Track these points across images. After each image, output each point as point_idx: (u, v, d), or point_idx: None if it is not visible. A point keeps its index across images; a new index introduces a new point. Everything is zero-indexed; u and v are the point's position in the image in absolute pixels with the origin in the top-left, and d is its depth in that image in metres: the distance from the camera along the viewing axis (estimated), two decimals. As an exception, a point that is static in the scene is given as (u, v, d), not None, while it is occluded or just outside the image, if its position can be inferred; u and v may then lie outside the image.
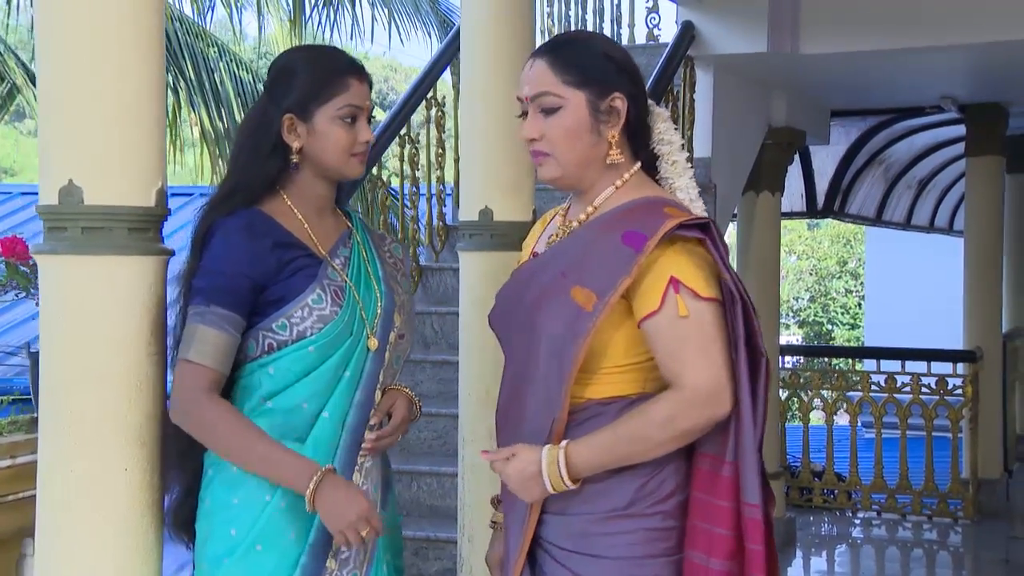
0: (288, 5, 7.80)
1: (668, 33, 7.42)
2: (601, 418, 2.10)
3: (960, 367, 7.71)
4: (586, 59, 2.16)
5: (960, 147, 9.91)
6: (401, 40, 7.99)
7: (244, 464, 2.16)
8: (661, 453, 2.08)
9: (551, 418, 2.09)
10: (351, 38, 7.82)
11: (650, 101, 2.23)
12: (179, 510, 2.32)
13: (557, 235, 2.24)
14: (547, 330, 2.09)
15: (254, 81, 8.41)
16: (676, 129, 2.25)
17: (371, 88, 2.33)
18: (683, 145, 2.26)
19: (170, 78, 7.84)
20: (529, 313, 2.14)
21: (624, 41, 7.29)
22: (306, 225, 2.27)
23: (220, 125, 8.15)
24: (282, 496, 2.18)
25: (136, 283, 2.24)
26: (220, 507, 2.20)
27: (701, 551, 2.08)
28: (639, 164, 2.22)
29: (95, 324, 2.21)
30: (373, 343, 2.26)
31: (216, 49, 8.60)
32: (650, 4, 7.35)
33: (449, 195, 5.80)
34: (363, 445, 2.25)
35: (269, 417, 2.20)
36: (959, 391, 7.48)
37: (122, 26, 2.22)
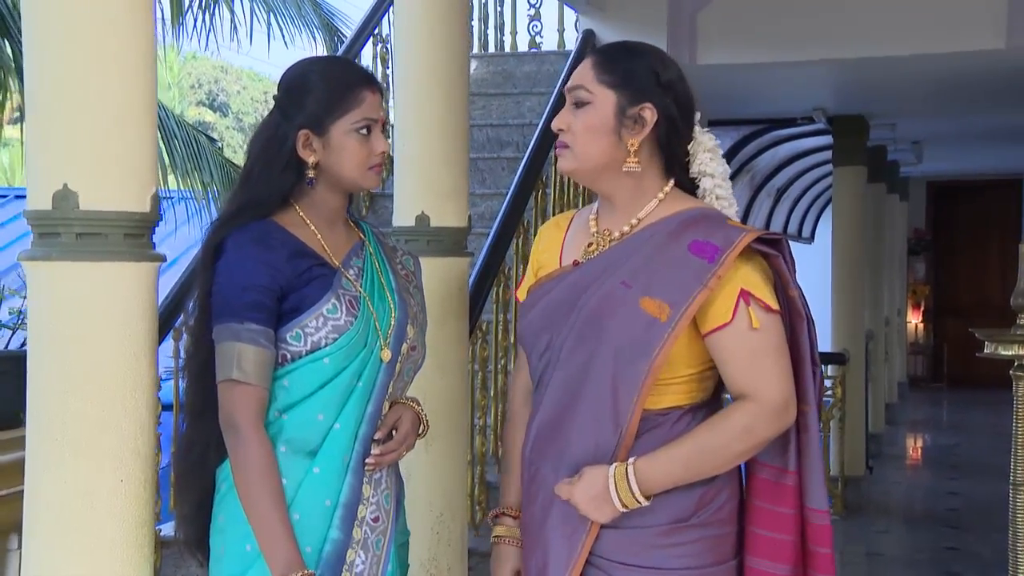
0: (162, 3, 7.60)
1: (550, 41, 7.57)
2: (659, 429, 2.09)
3: (831, 369, 8.02)
4: (629, 64, 2.15)
5: (816, 157, 10.35)
6: (285, 43, 7.90)
7: (246, 510, 2.12)
8: (734, 465, 2.10)
9: (617, 430, 2.07)
10: (232, 39, 7.68)
11: (697, 129, 2.21)
12: (191, 525, 2.26)
13: (596, 244, 2.21)
14: (615, 341, 2.07)
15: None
16: (722, 158, 2.23)
17: (383, 97, 2.31)
18: (726, 175, 2.22)
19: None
20: (587, 323, 2.11)
21: (507, 48, 7.36)
22: (319, 236, 2.24)
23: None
24: (296, 509, 2.15)
25: (132, 290, 2.19)
26: (234, 522, 2.15)
27: (766, 558, 2.11)
28: (672, 182, 2.20)
29: (89, 331, 2.16)
30: (386, 355, 2.23)
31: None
32: (531, 12, 7.45)
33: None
34: (366, 460, 2.22)
35: (284, 430, 2.17)
36: (830, 392, 7.77)
37: (115, 27, 2.17)
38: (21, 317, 3.76)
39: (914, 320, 15.68)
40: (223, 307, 2.14)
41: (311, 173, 2.23)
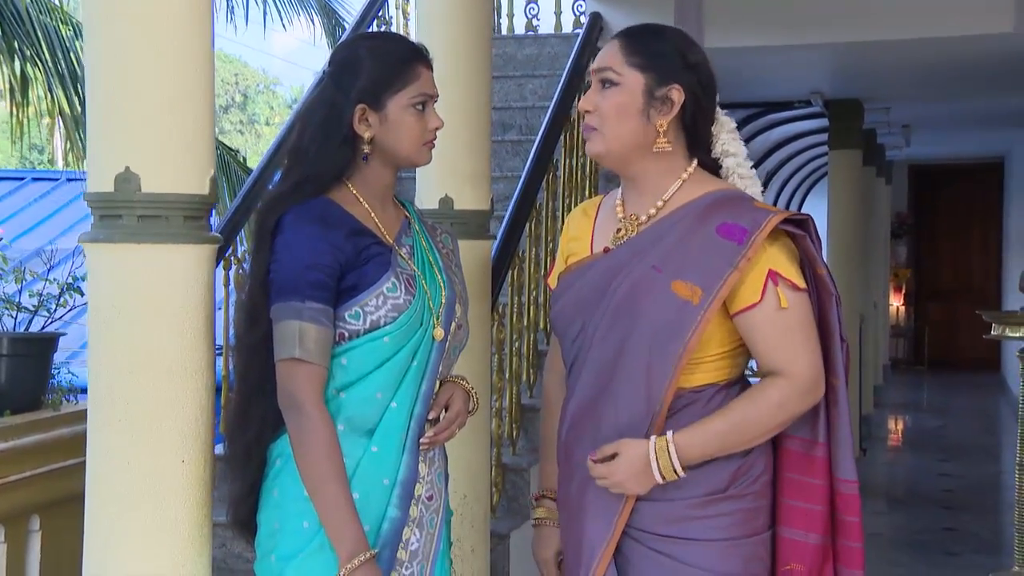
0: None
1: (546, 23, 7.55)
2: (694, 406, 2.14)
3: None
4: (656, 46, 2.19)
5: (806, 141, 10.39)
6: (284, 26, 7.87)
7: (309, 490, 2.11)
8: (766, 439, 2.16)
9: (650, 410, 2.12)
10: (229, 21, 7.63)
11: (718, 110, 2.25)
12: (241, 505, 2.25)
13: (625, 230, 2.24)
14: (649, 324, 2.11)
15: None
16: (741, 140, 2.28)
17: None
18: (746, 154, 2.28)
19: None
20: (620, 308, 2.15)
21: (503, 31, 7.33)
22: (372, 214, 2.24)
23: (78, 107, 7.88)
24: (355, 488, 2.14)
25: (191, 271, 2.21)
26: (291, 499, 2.15)
27: (799, 528, 2.17)
28: (696, 162, 2.23)
29: (150, 313, 2.17)
30: (439, 333, 2.24)
31: (72, 29, 8.28)
32: (528, -7, 7.43)
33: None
34: (421, 440, 2.23)
35: (343, 409, 2.17)
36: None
37: (174, 12, 2.18)
38: (42, 299, 3.74)
39: (895, 303, 15.78)
40: (285, 285, 2.12)
41: (366, 148, 2.23)
